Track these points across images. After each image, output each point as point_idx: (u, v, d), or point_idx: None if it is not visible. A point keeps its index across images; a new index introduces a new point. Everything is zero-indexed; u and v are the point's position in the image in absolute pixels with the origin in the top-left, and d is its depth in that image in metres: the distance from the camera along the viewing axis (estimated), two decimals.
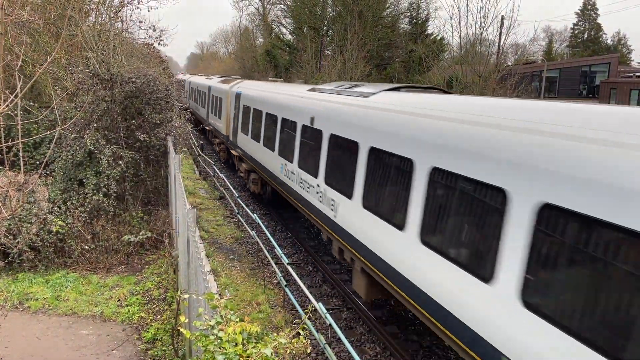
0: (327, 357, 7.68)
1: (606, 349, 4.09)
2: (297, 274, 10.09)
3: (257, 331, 3.64)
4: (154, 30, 19.53)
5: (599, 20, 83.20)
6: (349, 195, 9.14)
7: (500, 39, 35.24)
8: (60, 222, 10.57)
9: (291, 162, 12.60)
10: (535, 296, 4.85)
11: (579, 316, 4.38)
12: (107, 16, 19.29)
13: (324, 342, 7.67)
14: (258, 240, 12.47)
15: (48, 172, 12.26)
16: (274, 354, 3.45)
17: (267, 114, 15.27)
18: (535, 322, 4.79)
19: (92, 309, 9.14)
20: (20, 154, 9.52)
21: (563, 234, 4.63)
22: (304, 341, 3.64)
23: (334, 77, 39.75)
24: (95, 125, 12.43)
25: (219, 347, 3.43)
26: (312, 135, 11.27)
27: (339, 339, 7.77)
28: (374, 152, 8.38)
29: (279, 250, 11.34)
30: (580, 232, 4.47)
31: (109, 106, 12.83)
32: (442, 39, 45.74)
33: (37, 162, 12.82)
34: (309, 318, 9.07)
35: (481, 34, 35.12)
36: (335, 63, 41.45)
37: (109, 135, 12.48)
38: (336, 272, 11.63)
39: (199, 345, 3.67)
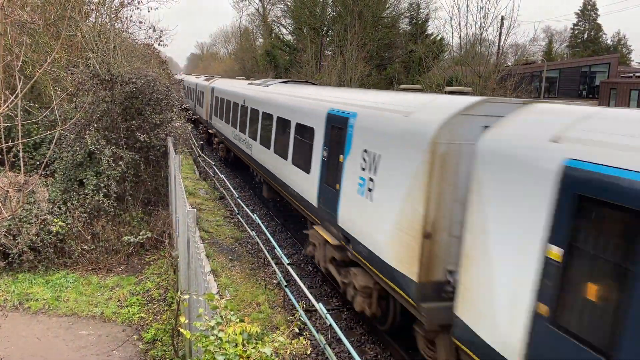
0: (327, 358, 7.68)
1: None
2: (297, 275, 10.09)
3: (257, 332, 3.64)
4: (154, 30, 19.52)
5: (599, 21, 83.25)
6: (255, 139, 16.38)
7: (500, 39, 35.24)
8: (60, 223, 10.57)
9: (235, 128, 19.75)
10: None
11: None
12: (107, 17, 19.29)
13: (324, 342, 7.67)
14: (258, 240, 12.48)
15: (48, 173, 12.26)
16: (274, 354, 3.45)
17: (226, 100, 22.15)
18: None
19: (92, 309, 9.14)
20: (21, 154, 9.53)
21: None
22: (304, 342, 3.65)
23: (333, 77, 39.76)
24: (95, 125, 12.44)
25: (219, 348, 3.43)
26: (243, 110, 18.55)
27: (339, 339, 7.77)
28: (265, 114, 15.34)
29: (279, 251, 11.35)
30: None
31: (109, 107, 12.83)
32: (442, 39, 45.75)
33: (37, 163, 12.82)
34: (309, 318, 9.07)
35: (481, 34, 35.12)
36: (335, 63, 41.45)
37: (109, 136, 12.48)
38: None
39: (199, 345, 3.67)
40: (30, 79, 12.57)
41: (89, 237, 11.04)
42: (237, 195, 16.49)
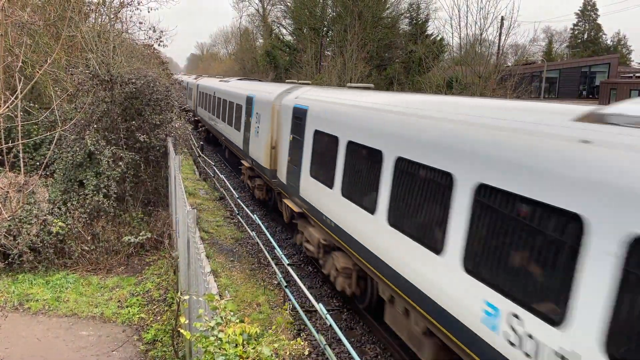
0: (327, 358, 7.68)
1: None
2: (297, 275, 10.09)
3: (256, 332, 3.64)
4: (154, 31, 19.55)
5: (599, 21, 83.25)
6: (219, 117, 22.89)
7: (500, 39, 35.27)
8: (60, 223, 10.57)
9: (210, 112, 27.08)
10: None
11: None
12: (107, 17, 19.30)
13: (324, 342, 7.67)
14: (258, 241, 12.48)
15: (48, 173, 12.27)
16: (273, 355, 3.45)
17: (205, 93, 29.86)
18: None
19: (92, 310, 9.14)
20: (21, 155, 9.54)
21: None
22: (302, 343, 3.65)
23: (333, 77, 39.76)
24: (95, 126, 12.44)
25: (219, 348, 3.43)
26: (213, 99, 25.92)
27: (340, 339, 7.77)
28: (222, 100, 22.87)
29: (279, 251, 11.35)
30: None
31: (109, 107, 12.84)
32: (442, 39, 45.76)
33: (37, 163, 12.82)
34: (309, 319, 9.08)
35: (481, 34, 35.15)
36: (335, 64, 41.46)
37: (109, 136, 12.49)
38: None
39: (199, 346, 3.67)
40: (30, 79, 12.58)
41: (89, 238, 11.04)
42: (237, 196, 16.49)
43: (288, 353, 3.60)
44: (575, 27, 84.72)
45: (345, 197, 9.19)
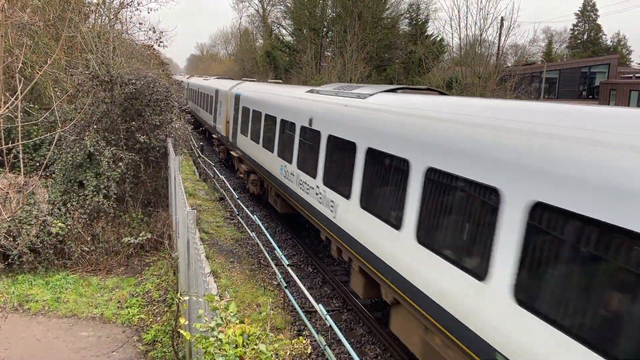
0: (327, 359, 7.68)
1: None
2: (297, 276, 10.09)
3: (256, 333, 3.64)
4: (154, 31, 19.56)
5: (599, 21, 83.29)
6: (206, 110, 29.40)
7: (499, 40, 35.30)
8: (60, 224, 10.57)
9: (197, 105, 32.24)
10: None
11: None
12: (107, 18, 19.30)
13: (324, 343, 7.67)
14: (258, 241, 12.47)
15: (48, 174, 12.26)
16: (273, 355, 3.45)
17: (193, 90, 35.87)
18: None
19: (92, 310, 9.14)
20: (20, 155, 9.53)
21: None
22: (304, 341, 3.65)
23: (333, 78, 39.77)
24: (95, 126, 12.44)
25: (219, 349, 3.43)
26: (199, 94, 31.99)
27: (339, 340, 7.77)
28: (203, 94, 30.56)
29: (279, 252, 11.34)
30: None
31: (109, 108, 12.84)
32: (442, 40, 45.79)
33: (37, 164, 12.82)
34: (309, 319, 9.07)
35: (481, 35, 35.18)
36: (335, 64, 41.48)
37: (108, 137, 12.48)
38: (336, 273, 11.63)
39: (199, 347, 3.67)
40: (30, 80, 12.57)
41: (88, 238, 11.04)
42: (237, 196, 16.49)
43: (288, 353, 3.60)
44: (575, 28, 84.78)
45: (260, 145, 15.81)
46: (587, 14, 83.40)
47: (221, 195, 18.52)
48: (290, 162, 12.57)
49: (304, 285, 9.76)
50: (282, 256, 10.97)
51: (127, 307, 9.29)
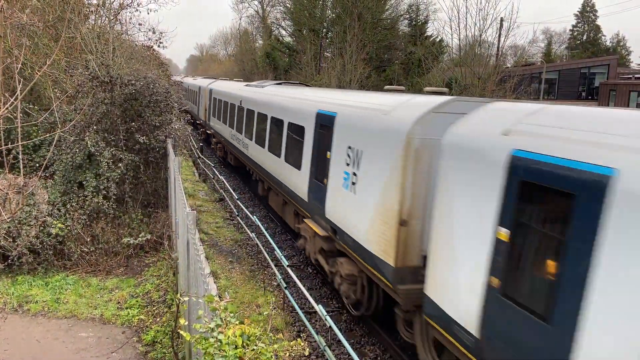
0: (327, 359, 7.67)
1: None
2: (297, 276, 10.09)
3: (256, 334, 3.64)
4: (154, 32, 19.54)
5: (598, 22, 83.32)
6: (193, 103, 32.97)
7: (499, 40, 35.29)
8: (59, 225, 10.56)
9: (192, 102, 32.98)
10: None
11: None
12: (107, 18, 19.30)
13: (324, 344, 7.67)
14: (258, 242, 12.47)
15: (48, 175, 12.26)
16: (273, 356, 3.45)
17: (186, 88, 36.86)
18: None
19: (92, 311, 9.13)
20: (20, 156, 9.53)
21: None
22: (302, 343, 3.65)
23: (333, 79, 39.78)
24: (94, 127, 12.44)
25: (219, 350, 3.43)
26: (192, 92, 34.54)
27: (339, 341, 7.77)
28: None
29: (278, 252, 11.34)
30: None
31: (109, 108, 12.83)
32: (442, 40, 45.78)
33: (37, 165, 12.82)
34: (309, 320, 9.07)
35: (480, 35, 35.17)
36: (335, 65, 41.48)
37: (108, 138, 12.48)
38: None
39: (198, 347, 3.67)
40: (29, 81, 12.56)
41: (88, 239, 11.03)
42: (236, 197, 16.49)
43: (288, 354, 3.60)
44: (575, 29, 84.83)
45: (221, 121, 20.19)
46: (587, 14, 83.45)
47: (221, 196, 18.52)
48: (233, 128, 19.94)
49: (304, 286, 9.76)
50: (282, 257, 10.97)
51: (126, 308, 9.28)
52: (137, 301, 9.54)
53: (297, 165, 11.53)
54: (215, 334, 3.57)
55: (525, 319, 4.88)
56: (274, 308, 9.92)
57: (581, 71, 50.51)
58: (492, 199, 5.37)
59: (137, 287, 10.14)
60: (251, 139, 16.29)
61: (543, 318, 4.68)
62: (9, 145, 8.28)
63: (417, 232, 7.15)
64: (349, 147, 8.81)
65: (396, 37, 49.51)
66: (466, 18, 39.65)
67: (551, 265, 4.69)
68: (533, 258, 4.99)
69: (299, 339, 3.74)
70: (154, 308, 9.29)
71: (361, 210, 8.22)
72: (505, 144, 5.35)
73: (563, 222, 4.61)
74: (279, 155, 13.08)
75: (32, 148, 13.71)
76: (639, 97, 39.83)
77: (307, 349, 3.76)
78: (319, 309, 8.15)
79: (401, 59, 48.13)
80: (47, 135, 11.53)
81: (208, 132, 27.34)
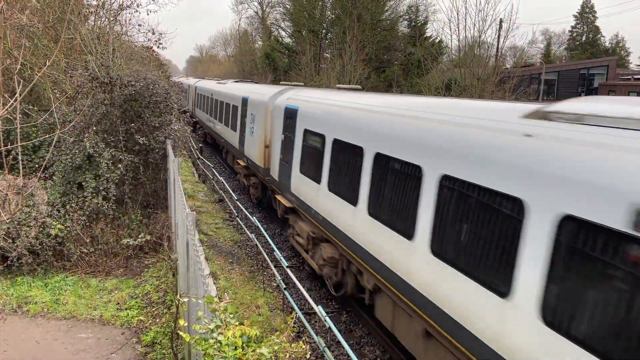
0: None
1: None
2: (296, 277, 10.09)
3: (256, 334, 3.64)
4: (153, 33, 19.56)
5: (597, 23, 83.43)
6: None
7: (498, 41, 35.34)
8: (59, 226, 10.56)
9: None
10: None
11: None
12: (106, 19, 19.31)
13: (324, 345, 7.66)
14: (257, 243, 12.47)
15: (47, 176, 12.25)
16: (273, 357, 3.45)
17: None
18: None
19: (91, 312, 9.13)
20: (20, 157, 9.53)
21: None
22: (303, 346, 3.65)
23: (332, 79, 39.78)
24: (94, 128, 12.44)
25: (219, 351, 3.43)
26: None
27: (339, 342, 7.77)
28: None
29: (278, 253, 11.34)
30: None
31: (108, 109, 12.83)
32: (441, 41, 45.83)
33: (36, 166, 12.81)
34: (308, 321, 9.07)
35: (480, 36, 35.20)
36: (334, 66, 41.49)
37: (108, 139, 12.48)
38: None
39: (198, 348, 3.67)
40: (29, 81, 12.56)
41: (88, 240, 11.02)
42: (236, 198, 16.49)
43: (288, 356, 3.60)
44: (574, 29, 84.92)
45: (207, 115, 26.91)
46: (586, 15, 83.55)
47: (220, 197, 18.51)
48: (215, 118, 25.01)
49: (303, 287, 9.76)
50: (282, 258, 10.97)
51: (126, 309, 9.28)
52: (136, 302, 9.53)
53: (234, 129, 19.89)
54: (215, 335, 3.56)
55: (284, 164, 12.78)
56: (274, 308, 9.92)
57: (580, 72, 50.54)
58: (279, 123, 13.54)
59: (137, 288, 10.14)
60: (216, 119, 24.56)
61: (287, 161, 12.47)
62: (9, 146, 8.29)
63: (271, 150, 14.52)
64: (252, 114, 16.97)
65: (395, 38, 49.55)
66: (465, 19, 39.64)
67: (286, 147, 12.77)
68: (287, 145, 12.59)
69: (300, 342, 3.74)
70: (154, 309, 9.29)
71: (255, 145, 16.26)
72: (284, 103, 13.35)
73: (292, 127, 12.23)
74: (227, 125, 21.48)
75: (31, 149, 13.70)
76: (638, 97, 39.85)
77: (309, 352, 3.76)
78: (319, 310, 8.15)
79: (401, 59, 48.16)
80: (47, 136, 11.54)
81: (194, 119, 32.62)
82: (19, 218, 10.33)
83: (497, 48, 35.62)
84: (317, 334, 8.42)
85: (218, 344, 3.49)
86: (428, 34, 49.45)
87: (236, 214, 15.68)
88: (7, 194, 10.13)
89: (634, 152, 4.07)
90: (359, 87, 15.96)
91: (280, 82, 22.14)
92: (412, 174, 6.80)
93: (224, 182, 18.62)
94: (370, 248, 7.90)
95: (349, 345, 7.51)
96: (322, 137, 10.31)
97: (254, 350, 3.44)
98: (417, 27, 49.96)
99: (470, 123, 5.99)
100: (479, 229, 5.43)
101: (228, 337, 3.51)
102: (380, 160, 7.70)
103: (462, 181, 5.76)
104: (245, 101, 17.94)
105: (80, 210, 11.17)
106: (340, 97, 10.69)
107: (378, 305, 8.41)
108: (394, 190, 7.27)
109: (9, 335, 8.20)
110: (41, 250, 10.35)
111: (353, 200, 8.59)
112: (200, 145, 28.51)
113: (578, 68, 51.45)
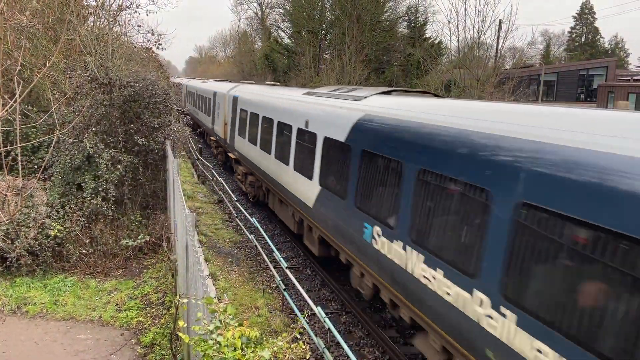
0: None
1: None
2: (295, 278, 10.09)
3: (256, 336, 3.63)
4: (153, 34, 19.55)
5: (597, 24, 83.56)
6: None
7: (498, 42, 35.39)
8: (58, 227, 10.55)
9: (193, 106, 35.21)
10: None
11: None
12: (106, 20, 19.31)
13: (323, 346, 7.66)
14: (257, 244, 12.47)
15: (46, 176, 12.24)
16: (272, 358, 3.44)
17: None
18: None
19: (90, 313, 9.12)
20: (19, 158, 9.50)
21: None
22: (303, 346, 3.64)
23: (332, 80, 39.80)
24: (93, 129, 12.43)
25: (218, 352, 3.42)
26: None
27: (338, 343, 7.76)
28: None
29: (277, 254, 11.34)
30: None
31: (108, 110, 12.83)
32: (440, 42, 45.88)
33: (36, 166, 12.80)
34: (308, 322, 9.06)
35: (479, 37, 35.25)
36: (334, 67, 41.52)
37: (107, 139, 12.47)
38: (335, 276, 11.62)
39: (197, 350, 3.66)
40: (29, 82, 12.55)
41: (87, 241, 11.01)
42: (235, 199, 16.49)
43: (287, 357, 3.60)
44: (573, 30, 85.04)
45: (200, 112, 30.82)
46: (585, 16, 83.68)
47: (220, 198, 18.51)
48: (198, 109, 31.09)
49: (303, 288, 9.76)
50: (281, 259, 10.97)
51: (125, 310, 9.27)
52: (135, 303, 9.53)
53: (209, 114, 26.49)
54: (214, 336, 3.56)
55: (232, 132, 20.36)
56: (274, 309, 9.92)
57: (580, 73, 50.61)
58: (230, 107, 20.85)
59: (136, 289, 10.13)
60: (199, 109, 30.34)
61: (232, 130, 20.21)
62: (8, 147, 8.28)
63: (228, 126, 21.00)
64: (218, 103, 23.43)
65: (395, 38, 49.57)
66: (465, 20, 39.66)
67: (232, 121, 20.50)
68: (233, 119, 20.07)
69: (300, 342, 3.73)
70: (153, 310, 9.28)
71: (220, 123, 22.64)
72: (233, 94, 20.48)
73: (235, 108, 19.81)
74: (205, 113, 27.98)
75: (30, 150, 13.69)
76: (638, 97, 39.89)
77: (309, 353, 3.75)
78: (318, 311, 8.14)
79: (400, 60, 48.19)
80: (46, 137, 11.53)
81: (184, 110, 41.30)
82: (18, 219, 10.32)
83: (497, 49, 35.67)
84: (316, 335, 8.41)
85: (217, 345, 3.49)
86: (427, 35, 49.50)
87: (235, 215, 15.68)
88: (6, 195, 10.12)
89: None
90: (277, 83, 24.72)
91: (241, 81, 28.25)
92: (284, 126, 12.95)
93: (223, 182, 18.62)
94: (271, 173, 14.01)
95: (348, 346, 7.51)
96: (246, 112, 17.67)
97: (253, 352, 3.43)
98: (416, 28, 49.98)
99: (288, 97, 13.63)
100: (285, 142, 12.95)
101: (227, 338, 3.50)
102: (265, 119, 14.76)
103: (269, 119, 14.51)
104: (214, 94, 25.16)
105: (80, 211, 11.16)
106: (259, 89, 17.99)
107: (269, 200, 15.16)
108: (277, 137, 13.48)
109: (8, 336, 8.19)
110: (40, 251, 10.34)
111: (267, 149, 14.32)
112: (200, 146, 28.52)
113: (577, 69, 51.53)
